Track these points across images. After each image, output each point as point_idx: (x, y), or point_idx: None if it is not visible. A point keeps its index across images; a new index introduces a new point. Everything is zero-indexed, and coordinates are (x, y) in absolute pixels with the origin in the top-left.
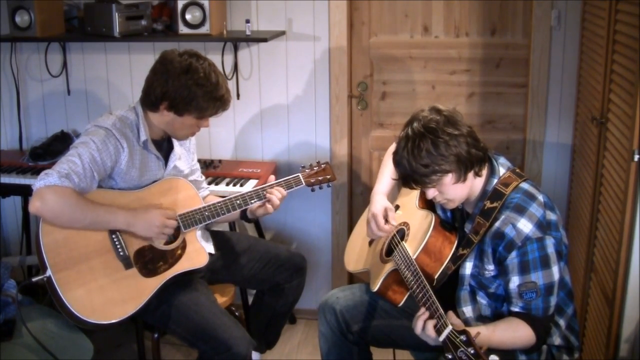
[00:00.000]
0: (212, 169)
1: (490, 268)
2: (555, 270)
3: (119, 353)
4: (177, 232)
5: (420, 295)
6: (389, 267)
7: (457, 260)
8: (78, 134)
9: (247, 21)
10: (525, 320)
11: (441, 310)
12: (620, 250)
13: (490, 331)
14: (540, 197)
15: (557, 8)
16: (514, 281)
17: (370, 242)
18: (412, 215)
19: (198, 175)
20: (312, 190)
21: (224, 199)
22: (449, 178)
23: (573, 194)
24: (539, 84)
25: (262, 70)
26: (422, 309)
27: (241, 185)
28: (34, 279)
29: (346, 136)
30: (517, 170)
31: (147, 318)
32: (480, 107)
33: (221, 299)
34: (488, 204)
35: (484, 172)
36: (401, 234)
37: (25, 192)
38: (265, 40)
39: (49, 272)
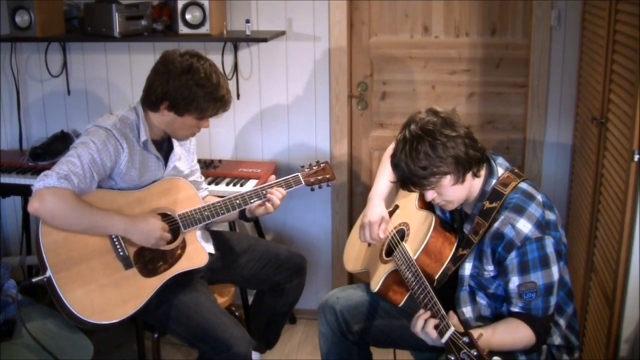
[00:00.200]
0: (212, 169)
1: (489, 269)
2: (554, 270)
3: (119, 353)
4: (177, 232)
5: (422, 296)
6: (389, 267)
7: (457, 260)
8: (78, 134)
9: (247, 21)
10: (525, 321)
11: (443, 312)
12: (620, 250)
13: (489, 333)
14: (539, 197)
15: (557, 8)
16: (514, 281)
17: (369, 243)
18: (411, 215)
19: (198, 176)
20: (312, 189)
21: (223, 198)
22: (447, 180)
23: (573, 194)
24: (539, 84)
25: (262, 70)
26: (423, 310)
27: (241, 185)
28: (34, 280)
29: (346, 136)
30: (516, 170)
31: (147, 318)
32: (480, 107)
33: (221, 299)
34: (487, 204)
35: (482, 172)
36: (401, 234)
37: (25, 192)
38: (265, 40)
39: (48, 273)
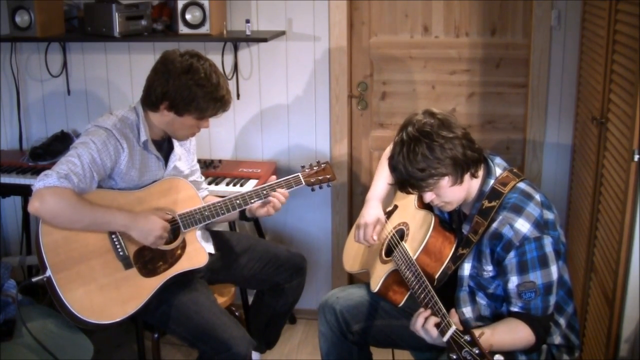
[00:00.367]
0: (212, 169)
1: (488, 269)
2: (553, 270)
3: (119, 353)
4: (177, 232)
5: (422, 295)
6: (389, 267)
7: (457, 260)
8: (78, 134)
9: (247, 21)
10: (525, 320)
11: (444, 310)
12: (620, 250)
13: (489, 334)
14: (537, 197)
15: (557, 8)
16: (513, 281)
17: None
18: (411, 215)
19: (198, 176)
20: (312, 190)
21: (224, 198)
22: (445, 181)
23: (573, 194)
24: (539, 84)
25: (262, 70)
26: (424, 309)
27: (241, 185)
28: (34, 279)
29: (346, 136)
30: (515, 170)
31: (147, 318)
32: (480, 107)
33: (221, 299)
34: (486, 203)
35: (480, 173)
36: (400, 234)
37: (25, 192)
38: (265, 40)
39: (48, 272)
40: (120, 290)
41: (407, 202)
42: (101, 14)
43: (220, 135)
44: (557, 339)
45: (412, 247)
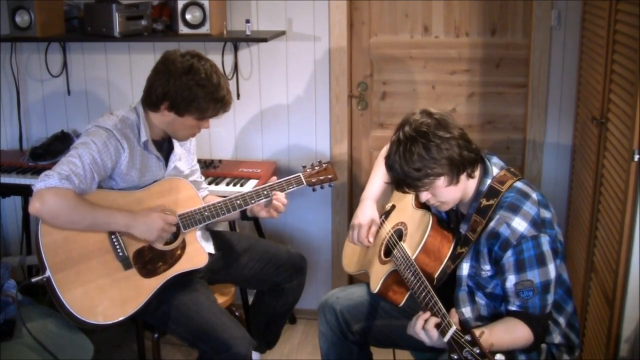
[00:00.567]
0: (212, 169)
1: (486, 268)
2: (551, 268)
3: (119, 353)
4: (177, 232)
5: (422, 295)
6: (388, 267)
7: (456, 258)
8: (78, 134)
9: (247, 21)
10: (523, 319)
11: (444, 310)
12: (620, 250)
13: (487, 333)
14: (534, 195)
15: (557, 8)
16: (511, 280)
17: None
18: (408, 215)
19: (198, 176)
20: (314, 190)
21: (224, 199)
22: (441, 181)
23: (573, 194)
24: (539, 84)
25: (262, 70)
26: (423, 310)
27: (241, 186)
28: (34, 280)
29: (346, 136)
30: (512, 169)
31: (147, 318)
32: (480, 107)
33: (221, 299)
34: (484, 202)
35: (477, 173)
36: (399, 234)
37: (26, 192)
38: (265, 40)
39: (48, 273)
40: (120, 291)
41: (405, 202)
42: (101, 14)
43: (221, 135)
44: (556, 338)
45: (410, 247)
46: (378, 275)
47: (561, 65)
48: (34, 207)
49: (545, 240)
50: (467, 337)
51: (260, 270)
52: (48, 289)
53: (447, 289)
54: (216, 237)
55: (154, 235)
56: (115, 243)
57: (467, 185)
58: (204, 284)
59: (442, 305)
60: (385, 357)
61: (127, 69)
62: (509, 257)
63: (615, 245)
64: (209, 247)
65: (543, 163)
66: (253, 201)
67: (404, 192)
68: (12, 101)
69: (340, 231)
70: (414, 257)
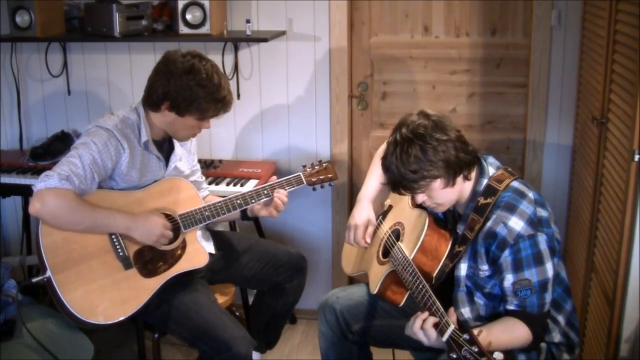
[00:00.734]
0: (212, 169)
1: (484, 268)
2: (548, 267)
3: (119, 353)
4: (177, 232)
5: (420, 295)
6: (386, 268)
7: (454, 257)
8: (78, 134)
9: (248, 21)
10: (521, 318)
11: (442, 310)
12: (620, 250)
13: (485, 333)
14: (531, 194)
15: (557, 8)
16: (508, 279)
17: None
18: (405, 215)
19: (198, 176)
20: (314, 189)
21: (224, 198)
22: (437, 183)
23: (573, 194)
24: (539, 84)
25: (262, 70)
26: (422, 310)
27: (241, 185)
28: (34, 280)
29: (346, 136)
30: (509, 169)
31: (147, 318)
32: (481, 107)
33: (221, 299)
34: (482, 200)
35: (473, 174)
36: (396, 234)
37: (26, 192)
38: (265, 40)
39: (48, 273)
40: (120, 291)
41: (402, 202)
42: (101, 14)
43: (221, 135)
44: (556, 337)
45: (408, 247)
46: (377, 276)
47: (561, 65)
48: (34, 207)
49: (542, 239)
50: (466, 336)
51: (261, 270)
52: (48, 289)
53: (445, 289)
54: (216, 237)
55: (152, 240)
56: (116, 243)
57: (463, 187)
58: (204, 284)
59: (440, 305)
60: (385, 357)
61: (128, 69)
62: (506, 256)
63: (615, 245)
64: (210, 247)
65: (543, 163)
66: (253, 201)
67: (400, 193)
68: (12, 101)
69: (340, 231)
70: (411, 257)
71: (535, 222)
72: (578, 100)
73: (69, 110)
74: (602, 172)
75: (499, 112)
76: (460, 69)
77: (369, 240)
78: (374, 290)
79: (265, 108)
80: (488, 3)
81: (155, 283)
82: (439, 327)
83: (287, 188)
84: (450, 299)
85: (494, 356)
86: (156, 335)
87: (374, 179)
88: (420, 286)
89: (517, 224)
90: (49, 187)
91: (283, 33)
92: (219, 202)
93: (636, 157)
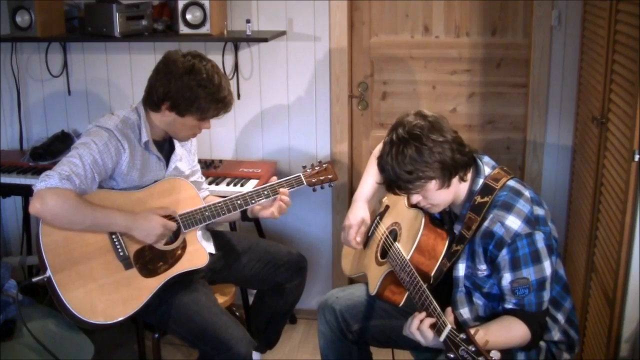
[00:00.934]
0: (212, 169)
1: (482, 268)
2: (546, 265)
3: (119, 353)
4: (177, 232)
5: (417, 296)
6: (384, 269)
7: (452, 256)
8: (79, 134)
9: (248, 21)
10: (519, 317)
11: (439, 310)
12: (620, 250)
13: (482, 332)
14: (527, 193)
15: (557, 8)
16: (506, 278)
17: (365, 244)
18: (402, 215)
19: (199, 176)
20: (314, 190)
21: (224, 199)
22: (432, 184)
23: (573, 194)
24: (539, 84)
25: (262, 70)
26: (419, 311)
27: (242, 186)
28: (34, 279)
29: (347, 136)
30: (505, 168)
31: (148, 318)
32: (481, 107)
33: (221, 299)
34: (478, 199)
35: (469, 176)
36: (394, 234)
37: (26, 192)
38: (265, 40)
39: (48, 273)
40: (121, 291)
41: (398, 201)
42: (102, 14)
43: (221, 135)
44: (556, 335)
45: (405, 247)
46: (375, 277)
47: (561, 65)
48: (34, 207)
49: (539, 237)
50: (462, 336)
51: (261, 270)
52: (49, 289)
53: (443, 289)
54: (217, 237)
55: (152, 239)
56: (116, 243)
57: (458, 188)
58: (205, 284)
59: (437, 305)
60: (385, 357)
61: (128, 69)
62: (504, 255)
63: (615, 245)
64: (210, 247)
65: (543, 163)
66: (253, 201)
67: (395, 193)
68: (12, 101)
69: (340, 231)
70: (408, 257)
71: (532, 221)
72: (578, 100)
73: (69, 110)
74: (602, 172)
75: (499, 112)
76: (460, 69)
77: (359, 240)
78: (373, 291)
79: (265, 108)
80: (488, 3)
81: (156, 283)
82: (436, 327)
83: (287, 189)
84: (448, 299)
85: (491, 355)
86: (156, 335)
87: (370, 178)
88: (418, 286)
89: (514, 222)
90: (50, 187)
91: (283, 33)
92: (219, 202)
93: (636, 157)
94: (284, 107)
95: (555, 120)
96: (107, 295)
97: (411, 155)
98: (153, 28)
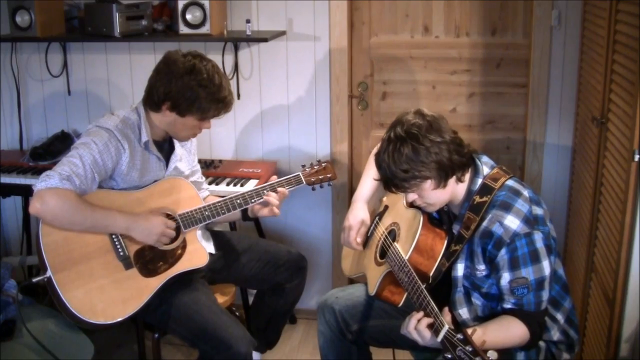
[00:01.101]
0: (212, 169)
1: (481, 268)
2: (545, 265)
3: (119, 353)
4: (177, 231)
5: (415, 296)
6: (383, 269)
7: (451, 256)
8: (79, 134)
9: (248, 21)
10: (518, 317)
11: (437, 310)
12: (620, 250)
13: (480, 332)
14: (526, 193)
15: (557, 8)
16: (505, 278)
17: (364, 245)
18: (401, 215)
19: (198, 177)
20: (313, 189)
21: (224, 198)
22: (428, 184)
23: (573, 194)
24: (539, 84)
25: (262, 70)
26: (417, 311)
27: (242, 185)
28: (34, 279)
29: (346, 136)
30: (503, 168)
31: (148, 318)
32: (481, 107)
33: (221, 299)
34: (477, 199)
35: (467, 176)
36: (392, 235)
37: (26, 192)
38: (265, 40)
39: (49, 273)
40: (121, 291)
41: (397, 201)
42: (102, 14)
43: (221, 135)
44: (555, 335)
45: (403, 247)
46: (374, 277)
47: (561, 65)
48: (34, 207)
49: (538, 237)
50: (459, 336)
51: (261, 270)
52: (49, 289)
53: (443, 289)
54: (216, 237)
55: (153, 239)
56: (116, 242)
57: (455, 189)
58: (205, 283)
59: (435, 305)
60: (385, 357)
61: (128, 69)
62: (503, 255)
63: (615, 245)
64: (210, 247)
65: (543, 163)
66: (253, 200)
67: (391, 191)
68: (12, 101)
69: (340, 231)
70: (407, 257)
71: (531, 220)
72: (578, 100)
73: (69, 110)
74: (602, 172)
75: (499, 112)
76: (460, 69)
77: (359, 241)
78: (372, 291)
79: (265, 108)
80: (488, 3)
81: (156, 283)
82: (434, 328)
83: (286, 188)
84: (447, 299)
85: (488, 355)
86: (156, 335)
87: (369, 178)
88: (416, 287)
89: (513, 222)
90: (50, 187)
91: (283, 33)
92: (219, 202)
93: (636, 157)
94: (283, 107)
95: (555, 120)
96: (107, 295)
97: (407, 154)
98: (153, 28)
